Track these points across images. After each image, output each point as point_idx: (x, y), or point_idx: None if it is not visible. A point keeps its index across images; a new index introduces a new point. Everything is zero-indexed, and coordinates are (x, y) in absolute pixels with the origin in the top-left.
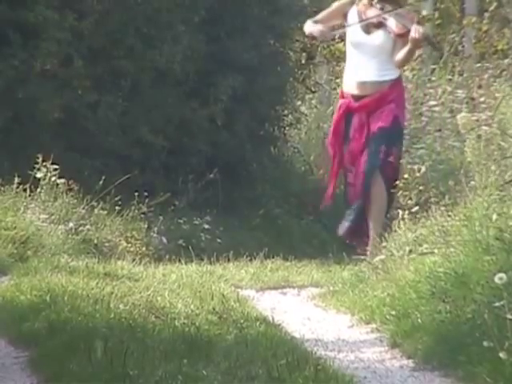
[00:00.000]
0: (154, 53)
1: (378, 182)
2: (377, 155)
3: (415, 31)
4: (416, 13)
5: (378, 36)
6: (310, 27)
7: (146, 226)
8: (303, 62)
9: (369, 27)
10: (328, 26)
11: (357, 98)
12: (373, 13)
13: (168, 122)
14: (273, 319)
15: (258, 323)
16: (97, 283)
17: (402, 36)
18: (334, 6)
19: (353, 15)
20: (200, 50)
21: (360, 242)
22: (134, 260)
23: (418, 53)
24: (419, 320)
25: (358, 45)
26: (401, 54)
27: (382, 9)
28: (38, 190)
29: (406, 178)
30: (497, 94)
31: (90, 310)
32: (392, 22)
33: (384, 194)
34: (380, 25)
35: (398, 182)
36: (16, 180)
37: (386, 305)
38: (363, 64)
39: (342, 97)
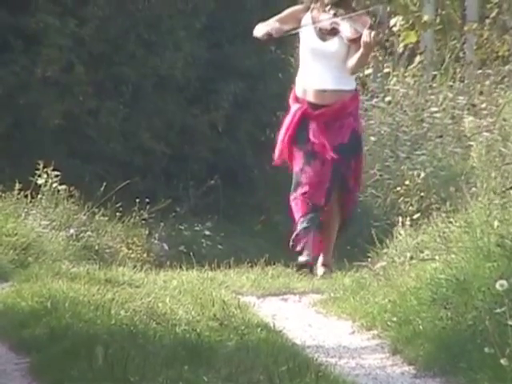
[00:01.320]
0: (156, 59)
1: (334, 203)
2: (339, 173)
3: (367, 35)
4: (369, 17)
5: (334, 43)
6: (263, 27)
7: (147, 232)
8: None
9: (324, 34)
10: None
11: (314, 105)
12: (326, 18)
13: (169, 129)
14: (274, 326)
15: (258, 330)
16: (98, 289)
17: (356, 41)
18: (288, 11)
19: (307, 21)
20: (201, 56)
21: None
22: (135, 266)
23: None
24: (420, 326)
25: (314, 52)
26: (353, 60)
27: (335, 14)
28: (39, 196)
29: (407, 185)
30: (498, 101)
31: (91, 316)
32: (345, 27)
33: (338, 215)
34: (335, 31)
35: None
36: (17, 186)
37: (387, 311)
38: (320, 72)
39: (297, 101)
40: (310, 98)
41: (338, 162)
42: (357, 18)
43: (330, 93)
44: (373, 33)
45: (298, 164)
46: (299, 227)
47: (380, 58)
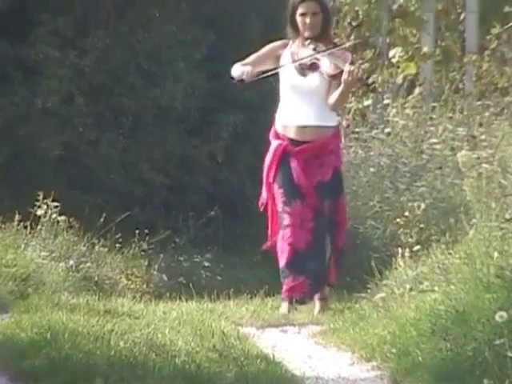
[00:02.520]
0: (155, 90)
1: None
2: (321, 212)
3: (348, 72)
4: (350, 52)
5: (314, 78)
6: (239, 68)
7: (146, 263)
8: None
9: (304, 70)
10: (258, 69)
11: (295, 142)
12: (305, 54)
13: (169, 160)
14: (273, 357)
15: (258, 361)
16: (97, 320)
17: (336, 77)
18: (266, 48)
19: (286, 57)
20: (201, 87)
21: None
22: (134, 297)
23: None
24: (420, 358)
25: (294, 88)
26: (334, 96)
27: (314, 49)
28: (39, 227)
29: (407, 216)
30: (497, 133)
31: (91, 347)
32: (325, 63)
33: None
34: (315, 67)
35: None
36: (17, 217)
37: (387, 342)
38: (301, 108)
39: (277, 137)
40: (291, 134)
41: (319, 201)
42: (338, 54)
43: (311, 129)
44: (355, 69)
45: (279, 203)
46: (285, 275)
47: (380, 90)
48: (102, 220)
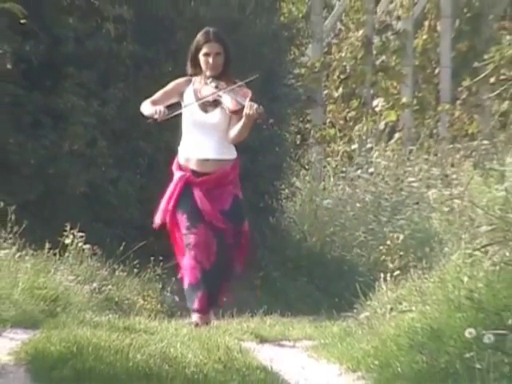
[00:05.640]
0: (168, 134)
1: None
2: (221, 238)
3: (249, 107)
4: (249, 90)
5: (215, 114)
6: (149, 109)
7: (160, 286)
8: (298, 143)
9: (206, 106)
10: (165, 106)
11: (197, 173)
12: (208, 91)
13: None
14: (271, 368)
15: (258, 371)
16: (117, 336)
17: (237, 112)
18: (171, 85)
19: (189, 94)
20: None
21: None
22: (149, 316)
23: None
24: (399, 369)
25: (196, 123)
26: (235, 130)
27: (216, 87)
28: (66, 254)
29: (388, 245)
30: (467, 172)
31: (112, 359)
32: (227, 99)
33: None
34: (216, 103)
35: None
36: (47, 245)
37: (370, 355)
38: (203, 142)
39: (180, 169)
40: (193, 166)
41: (221, 228)
42: (238, 90)
43: (211, 162)
44: (254, 104)
45: (183, 228)
46: (191, 293)
47: (364, 137)
48: (121, 248)
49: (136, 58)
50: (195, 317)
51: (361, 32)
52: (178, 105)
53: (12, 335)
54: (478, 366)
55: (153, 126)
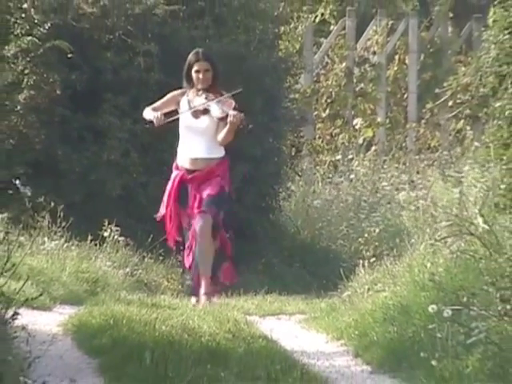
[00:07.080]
0: None
1: (208, 238)
2: (207, 216)
3: (232, 116)
4: (233, 100)
5: (204, 120)
6: (149, 114)
7: (181, 270)
8: (293, 154)
9: (197, 113)
10: (163, 113)
11: (190, 171)
12: (200, 101)
13: None
14: (271, 337)
15: (260, 340)
16: (146, 311)
17: (223, 119)
18: (169, 95)
19: (184, 103)
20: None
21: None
22: (172, 294)
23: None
24: (375, 338)
25: (189, 128)
26: (222, 134)
27: (206, 98)
28: (105, 244)
29: (366, 237)
30: (430, 178)
31: (141, 330)
32: (215, 108)
33: (212, 248)
34: (206, 111)
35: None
36: (89, 238)
37: (351, 327)
38: (194, 144)
39: (177, 169)
40: (187, 165)
41: (207, 211)
42: (224, 101)
43: (201, 160)
44: (238, 114)
45: (184, 222)
46: (191, 276)
47: (346, 150)
48: (149, 240)
49: (161, 85)
50: (193, 299)
51: (344, 64)
52: (174, 112)
53: (61, 310)
54: (438, 335)
55: (175, 141)
